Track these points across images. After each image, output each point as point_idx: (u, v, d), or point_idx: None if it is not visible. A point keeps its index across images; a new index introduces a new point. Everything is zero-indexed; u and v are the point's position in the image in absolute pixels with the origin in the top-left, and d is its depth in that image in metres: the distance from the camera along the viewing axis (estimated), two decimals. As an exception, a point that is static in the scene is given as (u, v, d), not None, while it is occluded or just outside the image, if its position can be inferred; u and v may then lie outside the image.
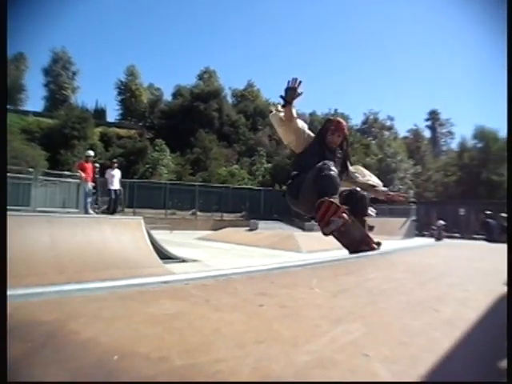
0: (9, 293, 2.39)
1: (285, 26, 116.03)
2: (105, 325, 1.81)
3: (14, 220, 6.77)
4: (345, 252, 5.16)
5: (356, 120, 61.09)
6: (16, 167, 17.04)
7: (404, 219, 24.44)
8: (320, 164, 4.19)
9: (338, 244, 12.96)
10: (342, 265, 4.70)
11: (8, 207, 11.04)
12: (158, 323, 1.80)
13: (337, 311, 2.21)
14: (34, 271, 5.84)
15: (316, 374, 1.36)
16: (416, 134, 61.79)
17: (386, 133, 59.33)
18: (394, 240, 17.60)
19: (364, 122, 63.65)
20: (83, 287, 2.58)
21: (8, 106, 52.43)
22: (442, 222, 20.29)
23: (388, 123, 66.23)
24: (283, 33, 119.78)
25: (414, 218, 25.98)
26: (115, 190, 14.04)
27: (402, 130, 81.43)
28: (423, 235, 22.68)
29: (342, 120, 4.91)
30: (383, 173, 34.88)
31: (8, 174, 13.26)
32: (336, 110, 37.55)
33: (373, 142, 49.54)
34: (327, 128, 4.67)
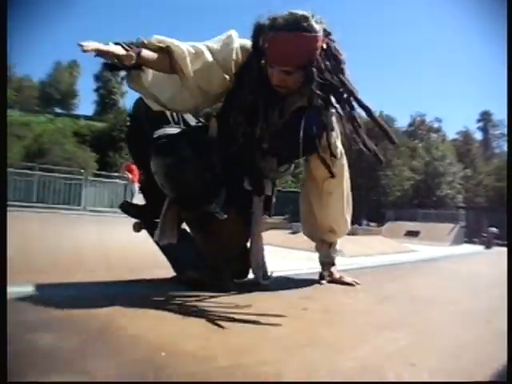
0: (62, 287, 2.53)
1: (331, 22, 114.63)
2: (152, 322, 1.88)
3: (65, 219, 7.10)
4: (389, 257, 5.04)
5: (402, 122, 59.61)
6: (68, 168, 17.86)
7: (452, 225, 23.54)
8: None
9: (382, 249, 12.69)
10: (385, 271, 4.61)
11: (60, 206, 11.59)
12: (204, 323, 1.84)
13: (382, 318, 2.17)
14: (83, 268, 6.07)
15: (361, 381, 1.35)
16: (466, 136, 59.46)
17: (434, 135, 57.43)
18: (441, 246, 17.00)
19: (410, 124, 61.93)
20: (131, 285, 2.68)
21: (62, 111, 55.08)
22: (493, 230, 19.27)
23: (436, 125, 64.12)
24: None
25: (463, 223, 24.98)
26: None
27: (451, 132, 78.79)
28: (473, 242, 21.77)
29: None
30: (430, 176, 33.71)
31: (61, 175, 13.91)
32: (382, 111, 36.60)
33: (419, 144, 48.01)
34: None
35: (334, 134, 2.67)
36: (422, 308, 2.48)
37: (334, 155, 2.62)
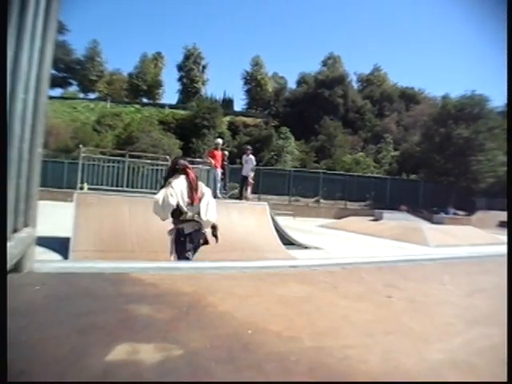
0: (154, 265, 2.70)
1: (409, 6, 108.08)
2: (238, 301, 1.96)
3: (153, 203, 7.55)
4: (479, 249, 4.73)
5: (498, 101, 54.95)
6: (155, 155, 18.87)
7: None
8: None
9: (471, 240, 11.94)
10: (475, 262, 4.34)
11: (148, 190, 12.29)
12: (288, 305, 1.88)
13: (472, 312, 2.07)
14: (168, 248, 6.48)
15: (450, 374, 1.31)
16: None
17: (536, 115, 52.49)
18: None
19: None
20: (216, 265, 2.79)
21: (148, 101, 57.99)
22: None
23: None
24: (409, 14, 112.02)
25: None
26: (245, 176, 14.50)
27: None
28: None
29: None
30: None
31: (148, 161, 14.72)
32: (474, 91, 33.93)
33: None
34: None
35: None
36: (517, 304, 2.32)
37: None
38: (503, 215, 22.01)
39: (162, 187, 4.16)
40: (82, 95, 56.68)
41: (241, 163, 15.58)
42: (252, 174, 14.39)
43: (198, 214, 3.91)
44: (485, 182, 30.43)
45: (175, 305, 1.86)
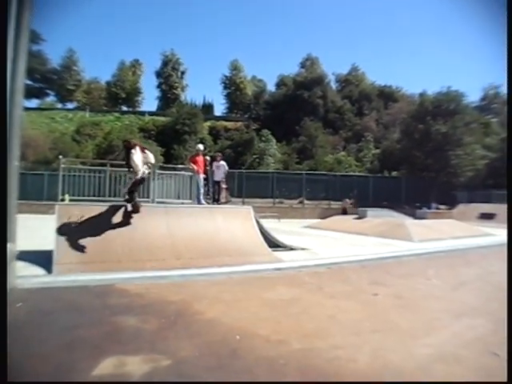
0: (140, 275, 2.67)
1: (385, 8, 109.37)
2: (226, 307, 1.94)
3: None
4: (461, 241, 4.81)
5: (473, 97, 56.05)
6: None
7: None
8: None
9: (453, 233, 12.06)
10: (459, 255, 4.41)
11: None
12: (275, 308, 1.87)
13: (458, 305, 2.09)
14: (154, 257, 6.39)
15: (438, 369, 1.32)
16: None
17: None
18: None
19: (483, 98, 57.89)
20: (202, 272, 2.77)
21: (128, 109, 57.55)
22: None
23: (513, 98, 59.63)
24: (385, 14, 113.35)
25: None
26: (218, 181, 14.58)
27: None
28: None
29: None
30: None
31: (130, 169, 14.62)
32: (449, 87, 34.45)
33: (494, 119, 44.85)
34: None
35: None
36: (501, 295, 2.36)
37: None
38: (483, 207, 22.40)
39: (127, 157, 6.04)
40: (59, 105, 55.68)
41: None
42: (224, 179, 14.52)
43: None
44: (464, 175, 30.90)
45: (162, 314, 1.83)
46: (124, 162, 6.56)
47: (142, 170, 6.00)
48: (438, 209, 25.87)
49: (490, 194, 25.73)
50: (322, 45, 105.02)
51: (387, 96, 57.68)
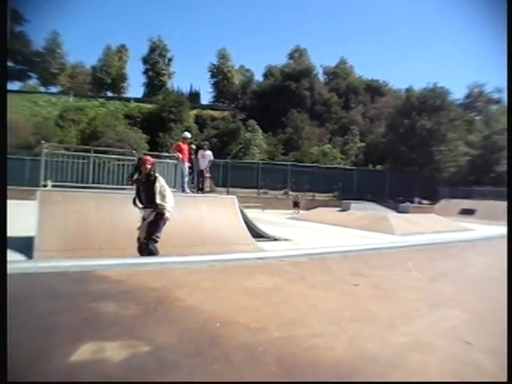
0: (121, 261, 2.66)
1: (375, 2, 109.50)
2: (206, 295, 1.95)
3: (119, 198, 7.39)
4: (442, 236, 4.89)
5: (458, 94, 56.73)
6: (121, 149, 18.49)
7: (512, 202, 22.22)
8: None
9: (434, 227, 12.26)
10: (439, 249, 4.48)
11: (114, 186, 12.07)
12: (256, 296, 1.88)
13: (435, 296, 2.13)
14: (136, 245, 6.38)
15: (413, 356, 1.35)
16: (530, 107, 55.66)
17: (494, 107, 54.07)
18: (499, 225, 16.21)
19: (467, 96, 58.55)
20: (184, 260, 2.77)
21: (113, 95, 56.74)
22: None
23: (496, 96, 60.38)
24: (375, 8, 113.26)
25: (524, 201, 23.51)
26: (202, 170, 14.61)
27: (514, 104, 73.90)
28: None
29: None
30: (489, 151, 31.87)
31: (114, 156, 14.43)
32: (435, 83, 34.78)
33: (477, 117, 45.43)
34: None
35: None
36: (477, 287, 2.42)
37: None
38: (464, 203, 22.81)
39: (147, 184, 5.05)
40: (42, 89, 54.68)
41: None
42: (208, 168, 14.60)
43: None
44: (447, 171, 31.37)
45: (142, 301, 1.83)
46: (133, 180, 5.39)
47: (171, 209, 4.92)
48: (420, 203, 26.26)
49: (471, 190, 26.23)
50: (310, 37, 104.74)
51: (374, 90, 58.12)
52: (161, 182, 5.09)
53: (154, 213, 4.88)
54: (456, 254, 4.14)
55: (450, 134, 31.31)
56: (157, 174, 5.25)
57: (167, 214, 4.85)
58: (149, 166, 5.08)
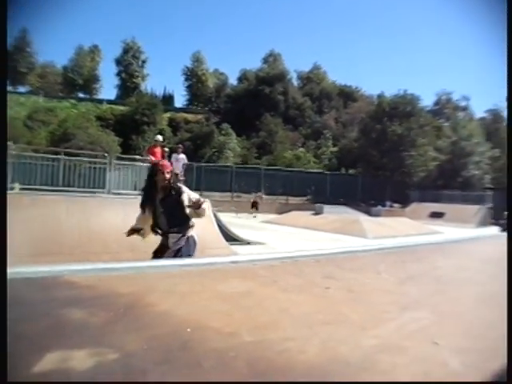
0: (92, 266, 2.60)
1: (349, 9, 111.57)
2: (178, 299, 1.92)
3: (91, 202, 7.25)
4: (412, 239, 4.99)
5: (427, 101, 58.21)
6: (92, 152, 18.17)
7: (478, 207, 22.99)
8: None
9: (405, 230, 12.57)
10: (409, 251, 4.57)
11: (86, 190, 11.81)
12: (228, 300, 1.87)
13: (405, 298, 2.17)
14: (109, 249, 6.26)
15: (383, 358, 1.36)
16: (495, 114, 57.46)
17: (461, 114, 55.73)
18: (466, 228, 16.71)
19: (436, 103, 60.17)
20: (156, 264, 2.73)
21: (85, 96, 55.69)
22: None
23: (463, 103, 62.25)
24: (347, 14, 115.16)
25: (489, 205, 24.34)
26: (176, 174, 14.56)
27: (479, 111, 76.41)
28: (499, 224, 21.26)
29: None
30: (456, 156, 32.84)
31: (85, 159, 14.13)
32: (406, 90, 35.74)
33: (445, 123, 46.76)
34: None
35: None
36: (445, 288, 2.47)
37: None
38: (434, 206, 23.39)
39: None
40: (10, 88, 53.25)
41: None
42: (183, 172, 14.59)
43: None
44: (417, 175, 32.18)
45: (112, 307, 1.79)
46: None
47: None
48: (391, 207, 26.79)
49: (439, 194, 26.92)
50: (285, 42, 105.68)
51: (347, 95, 59.09)
52: (187, 192, 3.89)
53: (185, 238, 3.67)
54: (425, 256, 4.22)
55: (420, 139, 32.17)
56: (179, 184, 4.11)
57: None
58: (168, 176, 3.84)
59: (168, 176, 3.85)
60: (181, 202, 3.72)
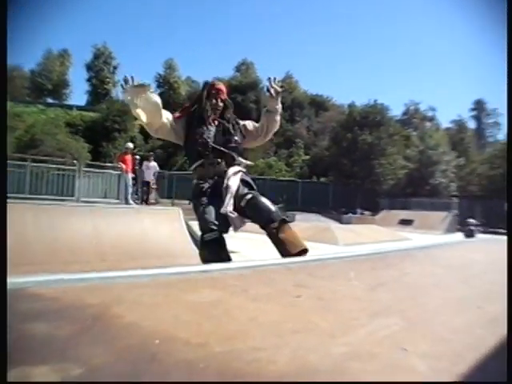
0: (57, 277, 2.52)
1: (321, 18, 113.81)
2: (146, 310, 1.88)
3: (59, 210, 7.07)
4: (382, 245, 5.07)
5: (396, 111, 59.72)
6: (61, 159, 17.77)
7: (445, 214, 23.68)
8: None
9: (376, 237, 12.80)
10: (379, 258, 4.63)
11: (54, 197, 11.52)
12: (197, 311, 1.84)
13: (375, 305, 2.19)
14: (78, 259, 6.10)
15: (353, 366, 1.36)
16: (459, 124, 59.46)
17: (428, 124, 57.43)
18: (434, 235, 17.16)
19: (404, 113, 61.81)
20: (125, 274, 2.67)
21: (54, 101, 54.55)
22: (471, 221, 19.64)
23: (430, 114, 64.15)
24: (320, 24, 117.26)
25: (456, 212, 25.11)
26: (148, 182, 14.42)
27: (445, 121, 79.04)
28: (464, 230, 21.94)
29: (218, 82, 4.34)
30: (424, 165, 33.82)
31: (54, 166, 13.80)
32: (376, 100, 36.68)
33: (414, 133, 48.07)
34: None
35: None
36: (414, 294, 2.51)
37: None
38: (403, 214, 23.93)
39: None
40: (-27, 93, 51.54)
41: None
42: (154, 180, 14.46)
43: None
44: (387, 183, 32.94)
45: (78, 319, 1.73)
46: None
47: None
48: (362, 214, 27.30)
49: (408, 201, 27.62)
50: (257, 51, 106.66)
51: (318, 105, 60.07)
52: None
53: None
54: (395, 263, 4.29)
55: (390, 148, 33.01)
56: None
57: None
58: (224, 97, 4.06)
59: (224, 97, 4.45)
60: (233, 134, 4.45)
